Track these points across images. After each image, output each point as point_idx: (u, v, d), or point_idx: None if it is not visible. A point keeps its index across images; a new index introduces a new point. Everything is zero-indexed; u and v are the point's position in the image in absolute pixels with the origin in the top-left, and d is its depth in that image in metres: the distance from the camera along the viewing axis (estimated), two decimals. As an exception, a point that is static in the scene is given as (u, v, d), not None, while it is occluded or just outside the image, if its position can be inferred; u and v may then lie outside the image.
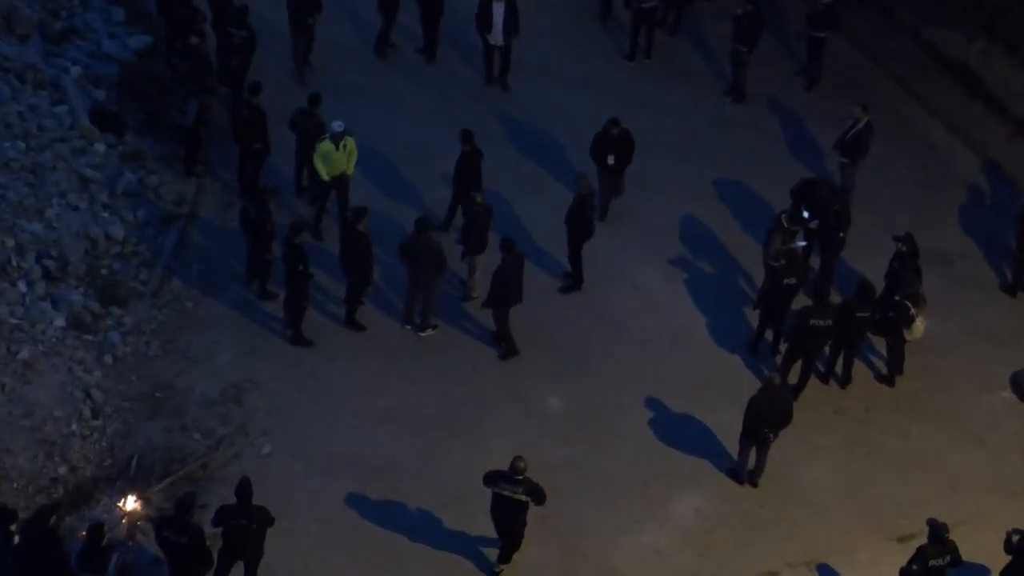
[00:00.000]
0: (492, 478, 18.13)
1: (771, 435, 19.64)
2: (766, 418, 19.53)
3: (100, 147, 23.37)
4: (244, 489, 17.55)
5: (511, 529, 18.41)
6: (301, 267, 20.79)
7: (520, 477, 17.91)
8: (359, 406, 20.56)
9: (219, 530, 17.65)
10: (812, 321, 20.66)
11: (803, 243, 22.37)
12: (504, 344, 21.47)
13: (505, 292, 21.05)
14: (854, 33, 27.56)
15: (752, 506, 19.93)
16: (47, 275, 21.13)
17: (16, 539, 17.13)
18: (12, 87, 23.64)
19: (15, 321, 20.31)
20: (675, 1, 27.59)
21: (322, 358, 21.19)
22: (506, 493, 18.04)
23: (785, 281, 21.32)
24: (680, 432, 20.67)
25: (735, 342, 22.07)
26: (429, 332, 21.67)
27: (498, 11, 25.28)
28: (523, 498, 18.02)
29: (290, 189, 23.52)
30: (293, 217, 22.27)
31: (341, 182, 22.52)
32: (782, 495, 20.07)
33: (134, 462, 19.38)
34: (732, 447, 20.25)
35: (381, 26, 26.45)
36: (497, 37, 25.59)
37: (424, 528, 19.17)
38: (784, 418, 19.63)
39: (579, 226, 22.13)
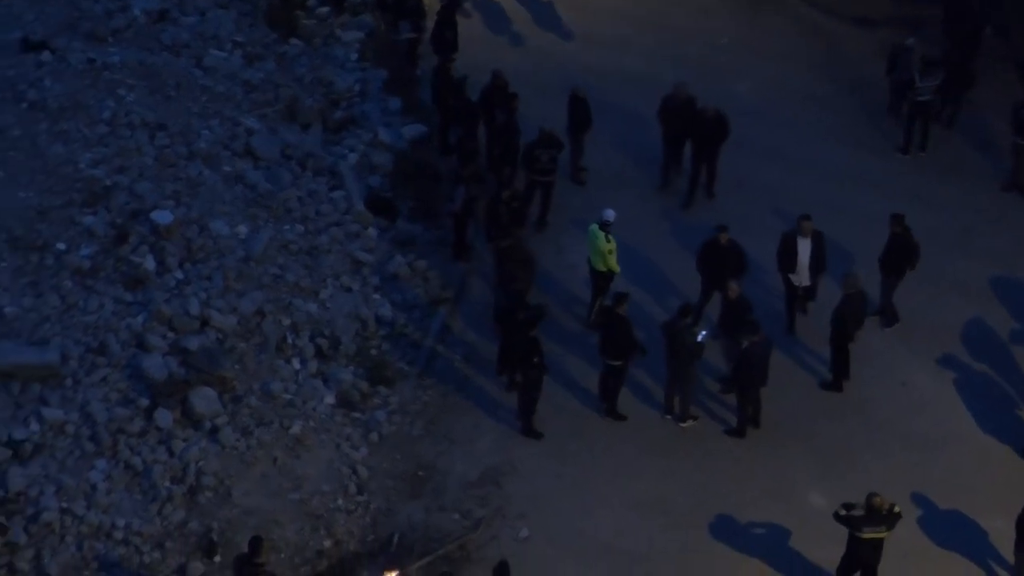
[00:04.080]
0: (853, 522, 18.36)
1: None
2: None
3: (373, 232, 24.13)
4: (502, 572, 17.65)
5: (873, 566, 18.66)
6: (536, 359, 20.90)
7: (883, 515, 18.24)
8: (616, 494, 20.49)
9: (475, 611, 17.81)
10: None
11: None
12: (738, 426, 21.30)
13: (749, 375, 20.83)
14: None
15: (1026, 618, 19.05)
16: (319, 354, 21.83)
17: (281, 608, 17.62)
18: (293, 173, 24.69)
19: (288, 397, 21.02)
20: (952, 94, 26.97)
21: (581, 445, 21.22)
22: (869, 535, 18.25)
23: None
24: (949, 536, 19.95)
25: (1009, 447, 21.20)
26: (690, 423, 21.50)
27: (804, 248, 22.33)
28: (886, 535, 18.31)
29: (542, 279, 23.66)
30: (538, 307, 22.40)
31: (604, 275, 22.70)
32: (1058, 608, 19.13)
33: (395, 539, 19.72)
34: (1005, 554, 19.44)
35: (664, 157, 25.67)
36: (802, 277, 22.62)
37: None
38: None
39: (843, 325, 21.69)
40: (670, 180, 25.57)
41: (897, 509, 18.55)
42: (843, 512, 18.53)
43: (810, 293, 22.78)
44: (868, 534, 18.39)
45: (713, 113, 24.75)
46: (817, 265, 22.42)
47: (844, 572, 18.86)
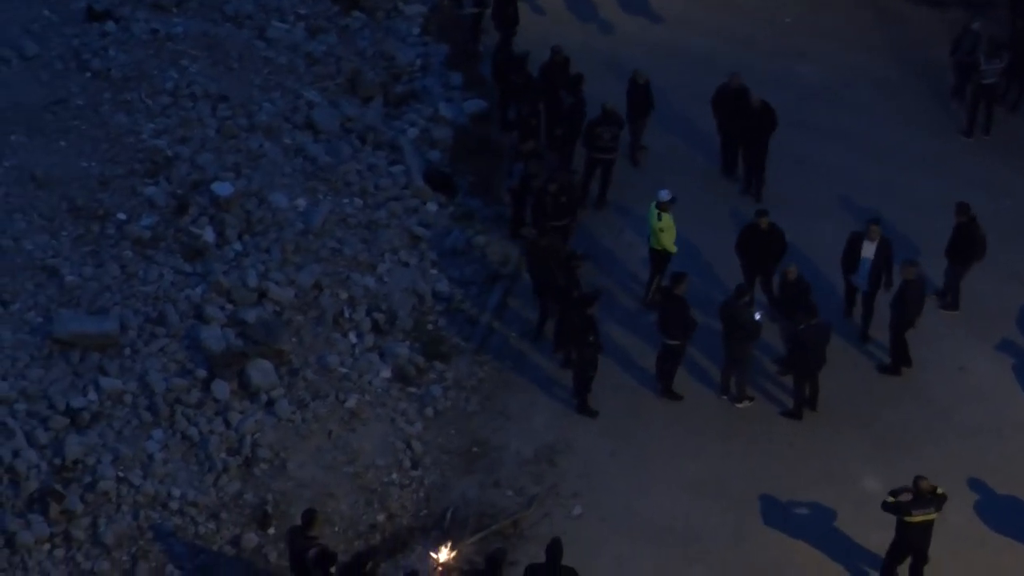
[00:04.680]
0: (902, 507, 18.27)
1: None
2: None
3: (432, 206, 24.15)
4: (555, 549, 17.67)
5: (924, 550, 18.58)
6: (592, 338, 20.84)
7: (930, 497, 18.21)
8: (670, 475, 20.44)
9: (527, 588, 17.83)
10: None
11: None
12: (794, 408, 21.20)
13: (804, 358, 20.72)
14: None
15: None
16: (376, 328, 21.90)
17: (334, 581, 17.72)
18: (353, 147, 24.74)
19: (344, 371, 21.11)
20: (1017, 77, 26.62)
21: (636, 425, 21.18)
22: (919, 519, 18.23)
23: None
24: (1005, 522, 19.78)
25: (1069, 434, 21.07)
26: (745, 404, 21.41)
27: (868, 251, 21.74)
28: (935, 516, 18.29)
29: (601, 257, 23.62)
30: (595, 286, 22.32)
31: (660, 255, 22.63)
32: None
33: (449, 514, 19.77)
34: (1063, 543, 19.31)
35: (721, 146, 25.34)
36: (862, 281, 22.10)
37: (731, 604, 18.94)
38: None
39: (902, 311, 21.49)
40: (729, 168, 25.31)
41: (941, 491, 18.43)
42: (891, 499, 18.42)
43: (867, 304, 22.19)
44: (918, 517, 18.30)
45: (759, 104, 24.28)
46: (878, 272, 21.76)
47: (894, 558, 18.74)
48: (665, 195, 22.38)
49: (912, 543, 18.55)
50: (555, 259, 21.91)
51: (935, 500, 18.34)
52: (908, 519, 18.34)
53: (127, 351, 20.28)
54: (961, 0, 29.12)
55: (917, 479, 18.34)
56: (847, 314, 22.55)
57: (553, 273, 21.76)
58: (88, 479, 18.89)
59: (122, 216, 21.88)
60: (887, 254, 21.85)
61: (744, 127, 24.57)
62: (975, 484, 20.29)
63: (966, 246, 22.33)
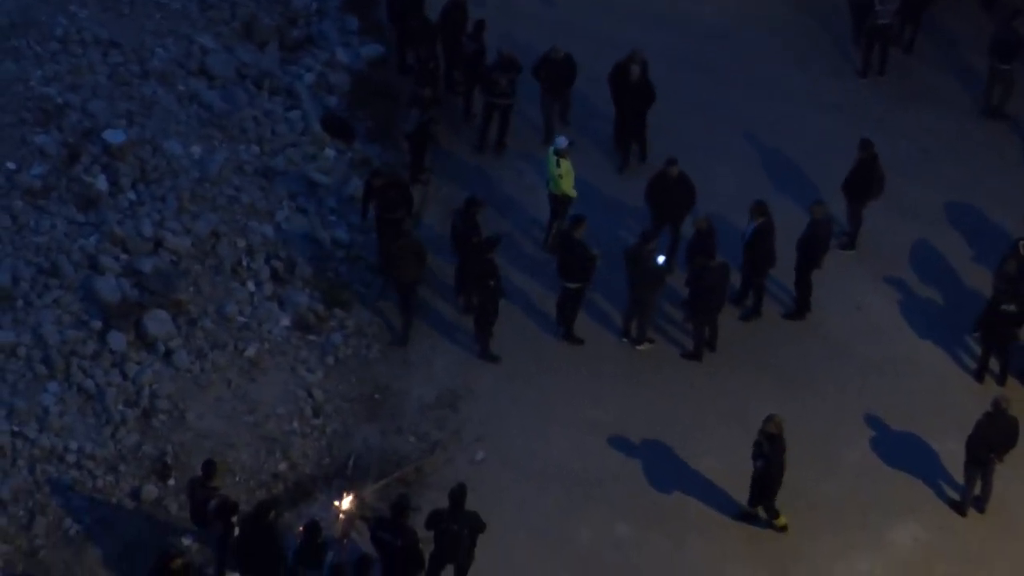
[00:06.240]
0: (773, 452, 18.68)
1: (995, 459, 19.01)
2: (991, 441, 18.98)
3: (330, 153, 23.89)
4: (458, 494, 17.69)
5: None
6: (492, 282, 20.81)
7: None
8: (572, 418, 20.53)
9: (430, 533, 17.80)
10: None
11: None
12: (695, 350, 21.40)
13: (705, 299, 20.91)
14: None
15: (973, 539, 19.29)
16: (275, 276, 21.69)
17: (236, 531, 17.60)
18: (249, 93, 24.37)
19: (243, 320, 20.90)
20: (911, 17, 26.85)
21: (537, 369, 21.22)
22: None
23: (1003, 307, 20.54)
24: (902, 459, 20.14)
25: (962, 369, 21.39)
26: (646, 346, 21.53)
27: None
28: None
29: (501, 203, 23.53)
30: (495, 231, 22.10)
31: (560, 200, 22.57)
32: (1006, 529, 19.38)
33: (351, 462, 19.72)
34: (956, 476, 19.67)
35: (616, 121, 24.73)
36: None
37: (631, 544, 19.08)
38: (1009, 441, 19.04)
39: (809, 252, 21.67)
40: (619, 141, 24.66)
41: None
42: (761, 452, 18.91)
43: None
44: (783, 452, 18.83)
45: (637, 78, 23.70)
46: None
47: (775, 485, 19.13)
48: (563, 142, 22.33)
49: (782, 470, 18.97)
50: (409, 254, 21.13)
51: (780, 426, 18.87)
52: (781, 458, 18.80)
53: (20, 303, 19.90)
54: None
55: (770, 418, 18.79)
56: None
57: (411, 269, 21.11)
58: (-18, 435, 18.58)
59: (12, 166, 21.39)
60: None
61: (627, 99, 23.94)
62: (872, 420, 20.64)
63: (865, 182, 22.54)
